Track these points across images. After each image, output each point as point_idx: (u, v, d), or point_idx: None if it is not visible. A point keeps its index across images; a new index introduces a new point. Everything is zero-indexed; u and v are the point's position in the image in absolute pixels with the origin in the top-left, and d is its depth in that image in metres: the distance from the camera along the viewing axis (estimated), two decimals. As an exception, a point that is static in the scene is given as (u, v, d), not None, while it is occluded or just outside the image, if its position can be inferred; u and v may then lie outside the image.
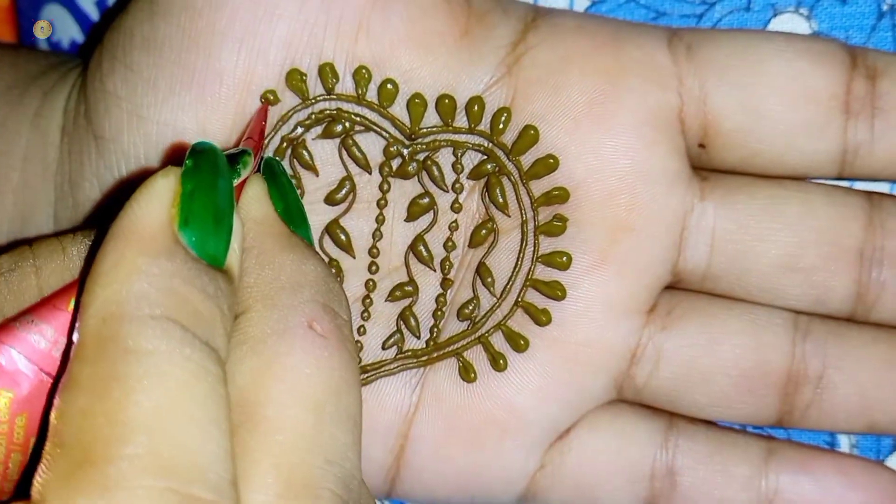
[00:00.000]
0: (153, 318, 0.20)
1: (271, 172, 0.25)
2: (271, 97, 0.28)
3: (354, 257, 0.30)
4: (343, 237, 0.30)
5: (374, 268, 0.30)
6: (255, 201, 0.24)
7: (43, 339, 0.22)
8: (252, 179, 0.24)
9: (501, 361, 0.30)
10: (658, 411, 0.31)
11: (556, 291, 0.30)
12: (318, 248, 0.30)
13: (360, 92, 0.29)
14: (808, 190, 0.30)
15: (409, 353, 0.31)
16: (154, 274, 0.20)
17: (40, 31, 0.39)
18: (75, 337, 0.20)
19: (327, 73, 0.29)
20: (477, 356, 0.30)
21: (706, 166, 0.30)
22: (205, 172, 0.22)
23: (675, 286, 0.31)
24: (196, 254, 0.21)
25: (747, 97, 0.29)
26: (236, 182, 0.23)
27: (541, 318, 0.30)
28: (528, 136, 0.29)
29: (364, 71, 0.29)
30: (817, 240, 0.30)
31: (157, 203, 0.21)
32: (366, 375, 0.30)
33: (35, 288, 0.24)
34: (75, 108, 0.31)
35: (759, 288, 0.30)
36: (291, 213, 0.25)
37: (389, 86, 0.29)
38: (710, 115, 0.29)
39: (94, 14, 0.38)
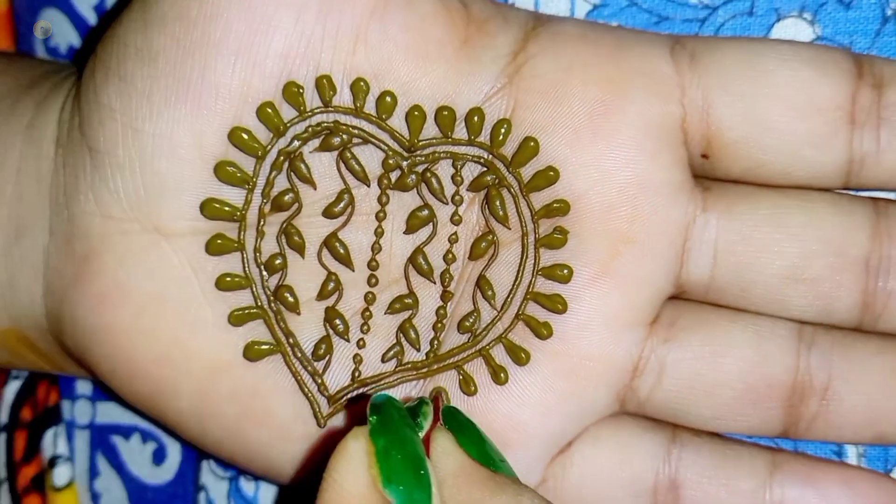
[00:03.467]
0: None
1: (454, 420, 0.25)
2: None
3: (353, 270, 0.30)
4: (342, 250, 0.30)
5: (373, 280, 0.30)
6: (445, 455, 0.24)
7: None
8: (435, 434, 0.24)
9: (502, 375, 0.30)
10: (661, 424, 0.31)
11: (556, 304, 0.29)
12: (317, 262, 0.30)
13: (357, 104, 0.29)
14: (813, 199, 0.30)
15: (409, 366, 0.30)
16: None
17: (40, 31, 0.39)
18: None
19: (325, 85, 0.28)
20: (477, 369, 0.30)
21: (709, 176, 0.30)
22: (393, 426, 0.22)
23: (679, 297, 0.31)
24: None
25: (751, 107, 0.29)
26: (421, 435, 0.24)
27: (542, 331, 0.29)
28: (528, 147, 0.29)
29: (362, 83, 0.28)
30: (822, 250, 0.30)
31: (357, 467, 0.22)
32: (365, 389, 0.30)
33: None
34: (69, 119, 0.30)
35: (763, 299, 0.30)
36: (488, 453, 0.25)
37: (388, 98, 0.28)
38: (713, 125, 0.29)
39: (91, 19, 0.38)
